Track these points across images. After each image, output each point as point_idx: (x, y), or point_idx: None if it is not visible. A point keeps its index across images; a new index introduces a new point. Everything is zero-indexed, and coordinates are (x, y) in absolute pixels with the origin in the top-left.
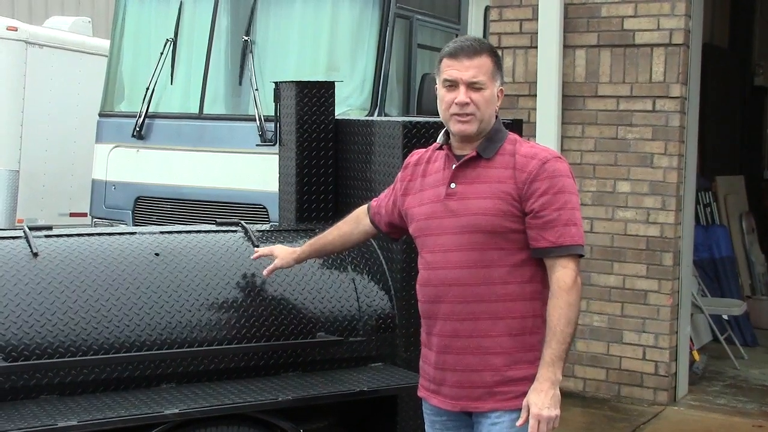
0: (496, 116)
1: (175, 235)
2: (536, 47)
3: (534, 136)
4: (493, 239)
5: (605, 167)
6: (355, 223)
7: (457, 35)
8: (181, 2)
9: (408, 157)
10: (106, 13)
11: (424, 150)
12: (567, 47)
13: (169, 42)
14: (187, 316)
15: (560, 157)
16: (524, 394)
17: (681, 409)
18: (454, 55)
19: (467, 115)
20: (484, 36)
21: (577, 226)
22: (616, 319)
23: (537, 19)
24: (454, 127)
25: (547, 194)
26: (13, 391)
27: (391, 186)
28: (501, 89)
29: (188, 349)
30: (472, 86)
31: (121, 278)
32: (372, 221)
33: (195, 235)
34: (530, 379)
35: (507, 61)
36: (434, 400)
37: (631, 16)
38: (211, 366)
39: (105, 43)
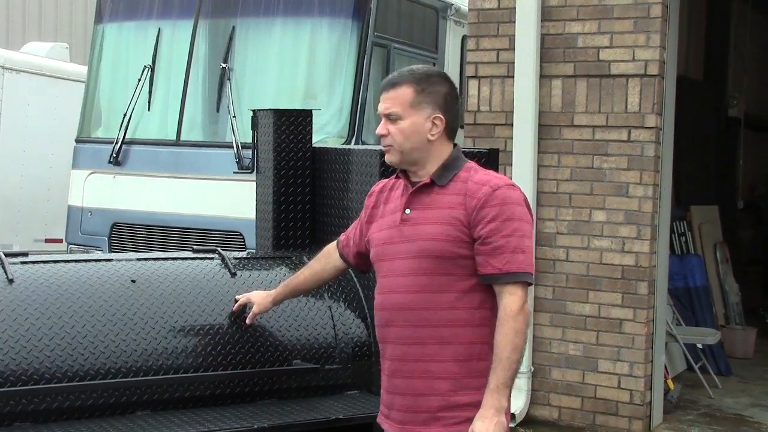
0: (455, 145)
1: (152, 261)
2: (513, 77)
3: (510, 164)
4: (442, 265)
5: (581, 196)
6: (326, 259)
7: (434, 64)
8: (159, 29)
9: (374, 186)
10: (84, 38)
11: (387, 179)
12: (543, 77)
13: (147, 68)
14: (163, 343)
15: (513, 185)
16: (469, 420)
17: None
18: (381, 88)
19: (387, 146)
20: (461, 65)
21: (525, 253)
22: (592, 347)
23: (514, 49)
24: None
25: (496, 221)
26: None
27: (359, 218)
28: (436, 116)
29: (164, 377)
30: (388, 118)
31: (97, 305)
32: (341, 255)
33: (172, 262)
34: (476, 405)
35: (484, 91)
36: (385, 425)
37: (606, 47)
38: (186, 393)
39: (82, 69)
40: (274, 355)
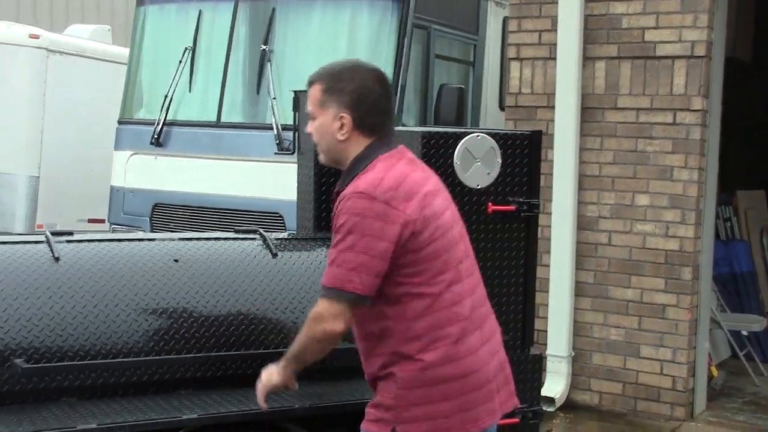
0: (368, 146)
1: (194, 242)
2: (555, 58)
3: (552, 147)
4: None
5: (624, 180)
6: None
7: (474, 46)
8: (200, 11)
9: None
10: (126, 21)
11: None
12: (586, 59)
13: (188, 50)
14: (205, 323)
15: (363, 193)
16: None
17: (699, 425)
18: None
19: (316, 145)
20: (502, 47)
21: (339, 267)
22: (634, 333)
23: (556, 30)
24: None
25: (335, 232)
26: (34, 393)
27: None
28: (341, 115)
29: (206, 355)
30: (310, 117)
31: (141, 283)
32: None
33: (214, 242)
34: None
35: (525, 72)
36: None
37: (652, 28)
38: (228, 372)
39: (124, 51)
40: None
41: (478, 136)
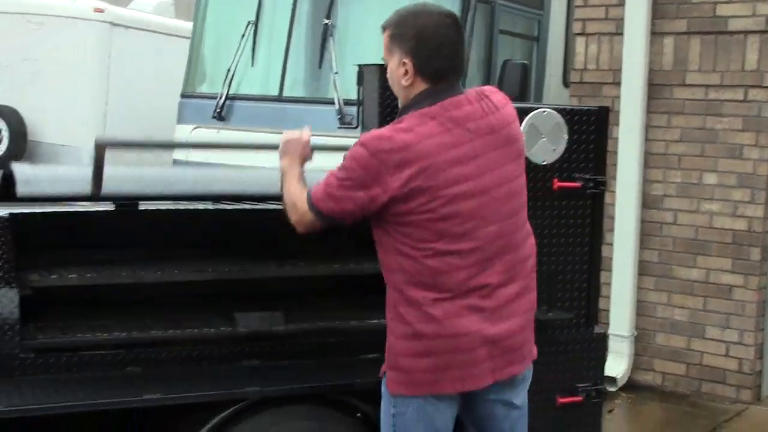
0: (419, 93)
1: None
2: (622, 34)
3: (617, 124)
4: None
5: (691, 158)
6: None
7: (539, 22)
8: None
9: None
10: None
11: None
12: (654, 34)
13: (251, 24)
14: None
15: (365, 145)
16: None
17: (765, 408)
18: None
19: None
20: (567, 22)
21: (325, 184)
22: (699, 313)
23: (623, 5)
24: None
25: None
26: (101, 363)
27: None
28: (404, 61)
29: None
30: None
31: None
32: None
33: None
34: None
35: (591, 48)
36: None
37: (723, 2)
38: (295, 346)
39: (187, 25)
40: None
41: (544, 111)
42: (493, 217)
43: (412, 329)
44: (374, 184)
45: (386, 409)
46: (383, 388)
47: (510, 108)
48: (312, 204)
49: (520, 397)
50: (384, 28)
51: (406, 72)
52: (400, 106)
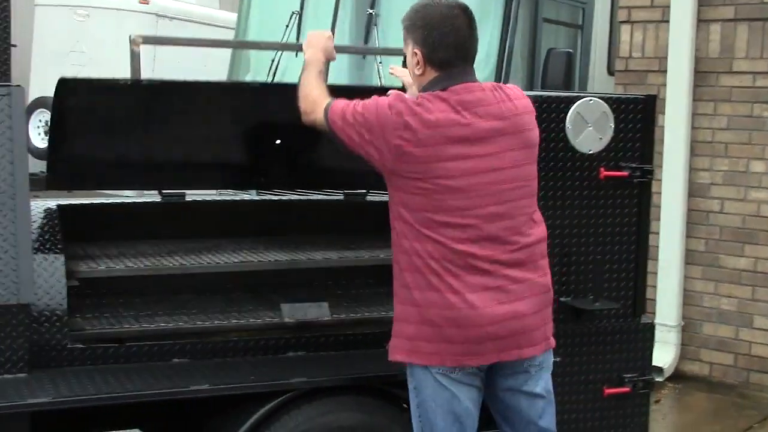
0: (431, 80)
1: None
2: (668, 21)
3: (663, 112)
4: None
5: (738, 146)
6: None
7: (583, 10)
8: None
9: None
10: None
11: None
12: (701, 21)
13: (295, 15)
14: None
15: (393, 94)
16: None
17: None
18: None
19: None
20: (611, 9)
21: (345, 102)
22: (747, 303)
23: None
24: None
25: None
26: (148, 354)
27: None
28: (415, 51)
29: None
30: None
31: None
32: None
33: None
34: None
35: (636, 36)
36: None
37: None
38: (340, 336)
39: (231, 16)
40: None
41: (590, 100)
42: (496, 197)
43: (414, 297)
44: (380, 134)
45: (410, 391)
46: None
47: (526, 101)
48: (327, 113)
49: (541, 385)
50: (402, 20)
51: (418, 62)
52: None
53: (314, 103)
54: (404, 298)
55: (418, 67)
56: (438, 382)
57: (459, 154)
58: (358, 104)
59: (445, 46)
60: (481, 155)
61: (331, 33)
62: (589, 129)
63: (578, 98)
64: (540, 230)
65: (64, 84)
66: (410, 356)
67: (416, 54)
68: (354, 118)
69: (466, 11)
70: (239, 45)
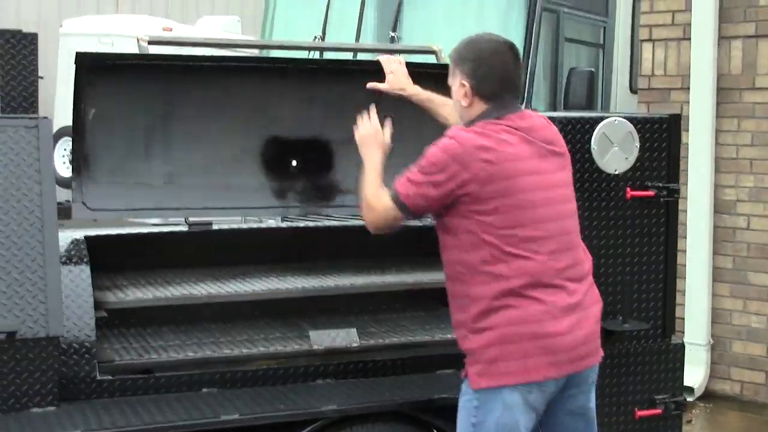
0: (481, 112)
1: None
2: (689, 39)
3: (687, 129)
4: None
5: (763, 162)
6: None
7: (604, 29)
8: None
9: None
10: (254, 11)
11: None
12: (722, 38)
13: (317, 38)
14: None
15: (449, 137)
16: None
17: None
18: None
19: None
20: (633, 28)
21: (406, 176)
22: None
23: (690, 10)
24: None
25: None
26: (177, 384)
27: None
28: (462, 83)
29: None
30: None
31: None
32: None
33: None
34: (465, 355)
35: (658, 54)
36: None
37: None
38: (369, 363)
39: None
40: None
41: (615, 120)
42: (554, 214)
43: (493, 320)
44: (462, 170)
45: (467, 409)
46: (464, 387)
47: (554, 127)
48: (395, 194)
49: (592, 399)
50: (451, 54)
51: (465, 93)
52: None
53: (378, 199)
54: (479, 325)
55: (466, 98)
56: (507, 405)
57: (529, 170)
58: (418, 165)
59: (493, 78)
60: (542, 173)
61: (378, 123)
62: (615, 149)
63: (603, 118)
64: (585, 247)
65: None
66: (494, 379)
67: (464, 85)
68: (423, 174)
69: (512, 47)
70: (247, 45)
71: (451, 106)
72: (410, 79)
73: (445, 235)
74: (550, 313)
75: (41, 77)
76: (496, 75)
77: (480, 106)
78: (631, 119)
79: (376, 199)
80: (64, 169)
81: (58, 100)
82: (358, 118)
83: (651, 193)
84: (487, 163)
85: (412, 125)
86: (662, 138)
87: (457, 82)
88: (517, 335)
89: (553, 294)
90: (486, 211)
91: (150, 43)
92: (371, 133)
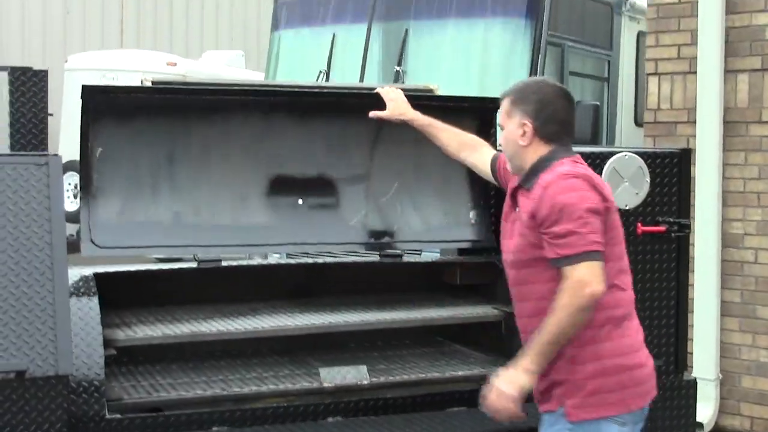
0: (551, 150)
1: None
2: (695, 72)
3: (693, 163)
4: (526, 270)
5: None
6: (474, 149)
7: (609, 62)
8: (333, 34)
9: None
10: (258, 45)
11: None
12: (728, 72)
13: (322, 73)
14: None
15: (565, 174)
16: (553, 398)
17: None
18: None
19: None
20: (637, 61)
21: (578, 234)
22: None
23: (696, 44)
24: None
25: (551, 217)
26: (186, 422)
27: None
28: (523, 122)
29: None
30: (501, 128)
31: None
32: (492, 167)
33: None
34: (557, 385)
35: (664, 88)
36: None
37: None
38: (379, 401)
39: (257, 76)
40: None
41: (625, 155)
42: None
43: (590, 351)
44: (600, 203)
45: None
46: (551, 418)
47: None
48: (589, 255)
49: None
50: (504, 95)
51: (524, 133)
52: (515, 165)
53: (573, 288)
54: (582, 356)
55: (524, 138)
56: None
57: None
58: (569, 219)
59: (556, 121)
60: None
61: (514, 395)
62: (626, 184)
63: (613, 153)
64: None
65: None
66: (595, 411)
67: (525, 125)
68: (585, 225)
69: (569, 93)
70: (251, 88)
71: (450, 132)
72: (409, 105)
73: (548, 266)
74: (638, 343)
75: (51, 114)
76: (559, 118)
77: (541, 147)
78: (641, 154)
79: (575, 305)
80: (69, 203)
81: (63, 134)
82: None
83: (662, 228)
84: (606, 201)
85: (412, 151)
86: (673, 173)
87: (515, 122)
88: (618, 366)
89: (637, 326)
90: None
91: (154, 83)
92: (499, 402)
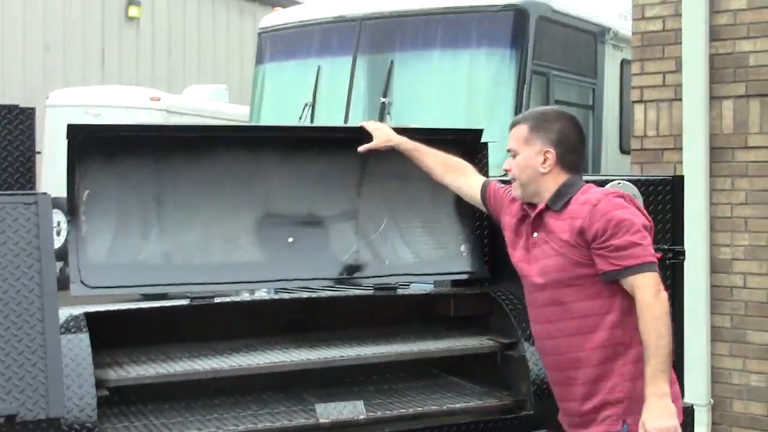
0: (573, 176)
1: None
2: (681, 99)
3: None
4: (567, 288)
5: (758, 220)
6: (463, 174)
7: (593, 90)
8: (318, 66)
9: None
10: (241, 79)
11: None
12: (713, 98)
13: (308, 106)
14: None
15: (612, 193)
16: (609, 417)
17: None
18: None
19: (513, 180)
20: (621, 89)
21: (641, 245)
22: None
23: (680, 71)
24: None
25: (607, 231)
26: None
27: (504, 188)
28: (546, 150)
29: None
30: (510, 154)
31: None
32: (482, 193)
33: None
34: (611, 405)
35: (650, 115)
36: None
37: None
38: None
39: (241, 109)
40: None
41: (618, 183)
42: None
43: (636, 363)
44: (648, 222)
45: None
46: None
47: None
48: (651, 266)
49: None
50: (519, 122)
51: (546, 160)
52: (529, 190)
53: (654, 296)
54: (635, 374)
55: (545, 165)
56: None
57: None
58: (630, 234)
59: (575, 150)
60: None
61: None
62: None
63: (606, 182)
64: None
65: None
66: None
67: (548, 152)
68: (645, 239)
69: (581, 126)
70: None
71: (436, 155)
72: (394, 132)
73: (603, 284)
74: None
75: (38, 152)
76: (577, 149)
77: (561, 175)
78: (634, 181)
79: (658, 316)
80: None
81: (45, 171)
82: None
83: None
84: (646, 217)
85: (400, 185)
86: (666, 200)
87: (535, 148)
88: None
89: None
90: None
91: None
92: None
